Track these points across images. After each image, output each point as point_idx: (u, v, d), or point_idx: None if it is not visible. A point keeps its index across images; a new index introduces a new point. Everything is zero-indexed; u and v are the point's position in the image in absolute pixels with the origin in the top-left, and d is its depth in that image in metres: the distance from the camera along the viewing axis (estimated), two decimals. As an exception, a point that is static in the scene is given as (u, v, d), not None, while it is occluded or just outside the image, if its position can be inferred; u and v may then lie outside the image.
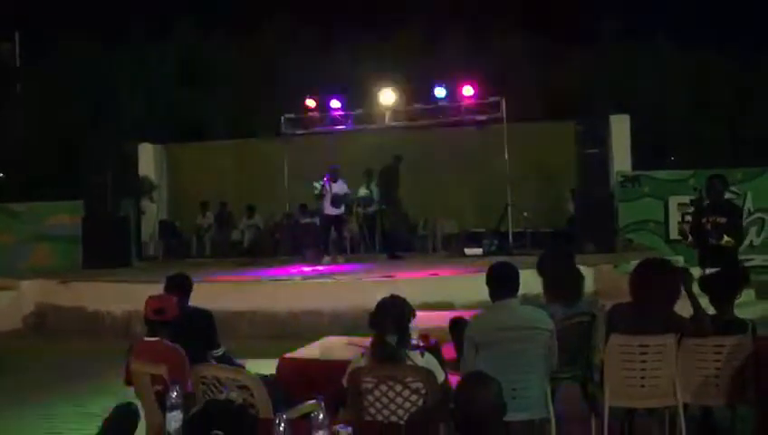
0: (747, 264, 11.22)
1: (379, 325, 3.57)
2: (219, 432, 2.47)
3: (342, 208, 12.12)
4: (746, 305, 7.57)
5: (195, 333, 4.51)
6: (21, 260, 13.39)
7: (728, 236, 6.96)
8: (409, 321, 3.66)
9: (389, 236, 12.56)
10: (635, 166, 13.33)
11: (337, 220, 12.22)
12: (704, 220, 7.18)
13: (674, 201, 12.80)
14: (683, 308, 4.35)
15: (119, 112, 16.60)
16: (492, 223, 12.82)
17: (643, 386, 4.21)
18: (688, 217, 8.28)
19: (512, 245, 12.06)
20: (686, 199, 12.70)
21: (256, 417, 3.23)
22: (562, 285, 4.73)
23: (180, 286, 4.85)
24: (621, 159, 13.18)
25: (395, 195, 12.30)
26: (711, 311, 4.51)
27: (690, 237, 7.60)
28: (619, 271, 9.05)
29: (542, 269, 4.86)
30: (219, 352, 4.76)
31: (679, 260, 10.58)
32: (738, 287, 4.64)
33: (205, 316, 4.86)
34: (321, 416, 2.65)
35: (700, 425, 4.53)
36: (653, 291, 4.26)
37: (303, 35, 17.56)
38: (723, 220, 7.01)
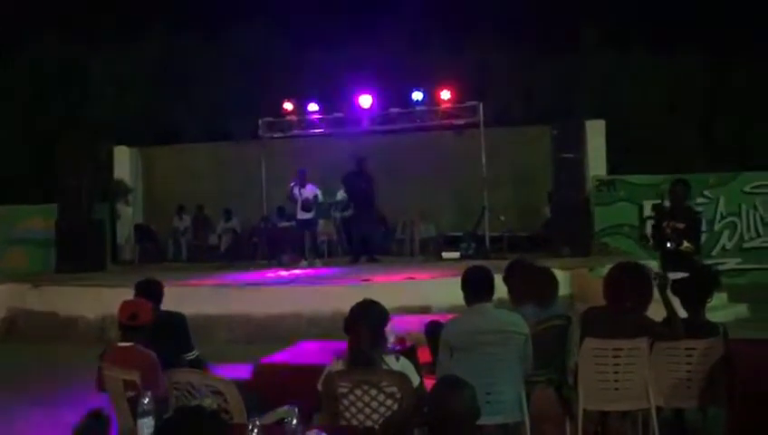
0: (720, 267, 11.42)
1: (354, 330, 3.56)
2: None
3: (313, 212, 12.12)
4: (718, 309, 7.69)
5: (169, 337, 4.47)
6: (-7, 264, 13.19)
7: (687, 241, 7.08)
8: (384, 325, 3.66)
9: (366, 239, 12.53)
10: (610, 170, 13.47)
11: (309, 224, 12.22)
12: (664, 225, 7.29)
13: (648, 206, 12.94)
14: (656, 312, 4.41)
15: (93, 115, 16.40)
16: (469, 227, 12.88)
17: (617, 389, 4.26)
18: (652, 221, 8.47)
19: (489, 248, 12.12)
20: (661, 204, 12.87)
21: (228, 423, 3.20)
22: (534, 286, 4.76)
23: (150, 293, 4.76)
24: (597, 163, 13.31)
25: (363, 198, 12.25)
26: (683, 314, 4.56)
27: (651, 241, 7.72)
28: (595, 275, 9.12)
29: (510, 276, 4.88)
30: (192, 355, 4.73)
31: (654, 264, 10.69)
32: (710, 291, 4.69)
33: (178, 319, 4.82)
34: (294, 422, 2.64)
35: (672, 427, 4.58)
36: (626, 294, 4.32)
37: (281, 38, 17.50)
38: (681, 226, 7.12)
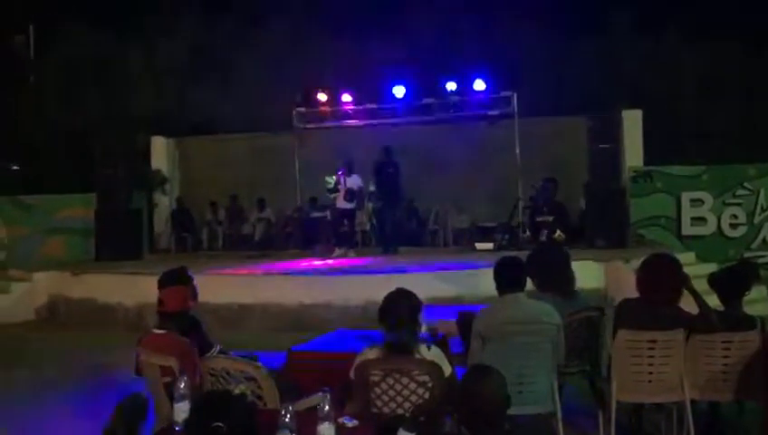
0: (759, 260, 11.20)
1: (388, 318, 3.57)
2: (220, 424, 2.49)
3: (355, 203, 12.12)
4: (757, 302, 7.54)
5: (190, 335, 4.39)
6: (34, 252, 13.50)
7: (560, 231, 7.62)
8: (418, 314, 3.66)
9: (388, 229, 12.49)
10: (647, 161, 13.25)
11: (349, 214, 12.23)
12: (538, 219, 7.79)
13: (686, 197, 12.71)
14: (688, 306, 4.35)
15: (131, 105, 16.69)
16: (503, 217, 12.79)
17: (651, 381, 4.22)
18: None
19: (523, 239, 12.04)
20: (698, 196, 12.66)
21: (255, 406, 3.24)
22: (554, 275, 4.72)
23: (173, 283, 4.43)
24: (633, 154, 13.11)
25: (389, 188, 12.18)
26: (721, 308, 4.50)
27: (528, 232, 8.27)
28: (630, 266, 9.01)
29: (531, 263, 4.86)
30: (214, 352, 4.68)
31: (691, 256, 10.53)
32: (748, 284, 4.62)
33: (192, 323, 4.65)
34: (326, 408, 2.67)
35: (707, 420, 4.52)
36: (661, 286, 4.27)
37: (315, 28, 17.57)
38: (550, 219, 7.57)
